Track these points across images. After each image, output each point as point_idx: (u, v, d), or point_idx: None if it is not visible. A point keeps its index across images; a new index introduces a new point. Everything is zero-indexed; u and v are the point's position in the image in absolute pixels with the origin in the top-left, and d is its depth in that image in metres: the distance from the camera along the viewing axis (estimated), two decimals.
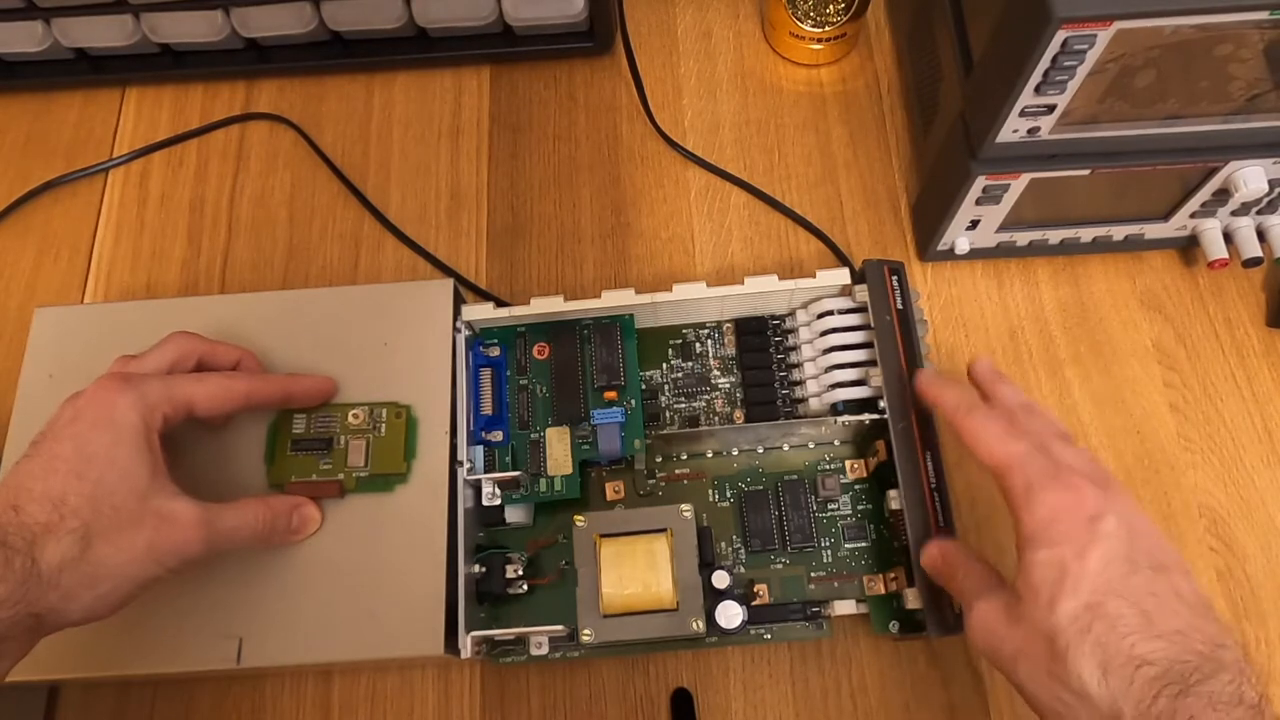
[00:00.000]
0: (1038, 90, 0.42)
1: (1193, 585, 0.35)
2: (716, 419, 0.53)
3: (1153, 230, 0.55)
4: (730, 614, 0.45)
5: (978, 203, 0.51)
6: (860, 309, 0.51)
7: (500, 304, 0.54)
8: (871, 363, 0.50)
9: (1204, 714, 0.31)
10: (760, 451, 0.52)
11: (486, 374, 0.52)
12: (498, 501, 0.49)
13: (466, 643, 0.45)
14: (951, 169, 0.50)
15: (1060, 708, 0.34)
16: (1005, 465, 0.38)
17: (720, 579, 0.46)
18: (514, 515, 0.50)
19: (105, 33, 0.60)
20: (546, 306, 0.51)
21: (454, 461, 0.48)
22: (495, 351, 0.53)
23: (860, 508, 0.50)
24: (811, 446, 0.52)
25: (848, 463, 0.51)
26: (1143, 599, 0.34)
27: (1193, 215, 0.53)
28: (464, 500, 0.48)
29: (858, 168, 0.61)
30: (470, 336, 0.52)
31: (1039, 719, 0.36)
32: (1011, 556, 0.38)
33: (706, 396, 0.53)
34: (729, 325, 0.54)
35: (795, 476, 0.51)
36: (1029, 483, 0.37)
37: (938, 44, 0.53)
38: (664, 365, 0.54)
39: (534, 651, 0.47)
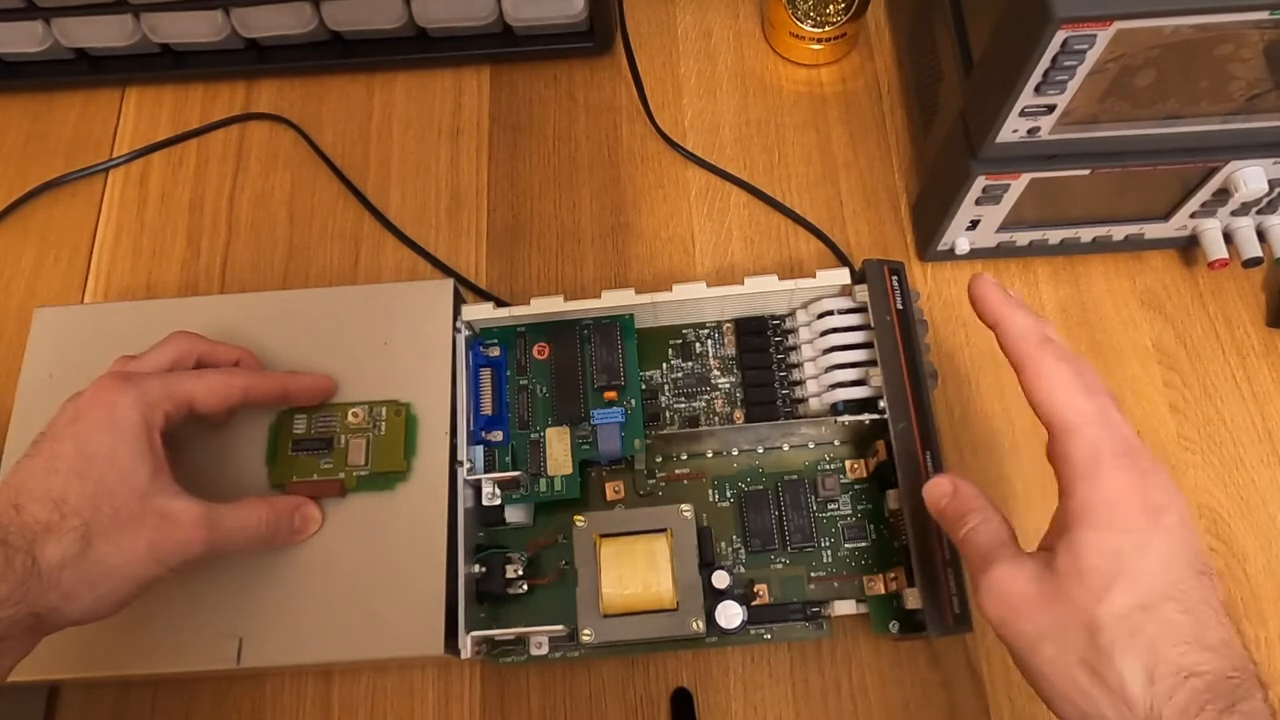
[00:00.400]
0: (1038, 90, 0.42)
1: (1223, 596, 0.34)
2: (716, 419, 0.53)
3: (1153, 230, 0.55)
4: (730, 614, 0.45)
5: (978, 203, 0.51)
6: (860, 309, 0.51)
7: (500, 304, 0.54)
8: (871, 363, 0.50)
9: None
10: (760, 451, 0.52)
11: (486, 374, 0.52)
12: (498, 501, 0.49)
13: (466, 643, 0.45)
14: (951, 169, 0.50)
15: (1080, 699, 0.32)
16: (1074, 425, 0.34)
17: (720, 579, 0.46)
18: (514, 515, 0.50)
19: (105, 33, 0.60)
20: (546, 306, 0.51)
21: (454, 461, 0.48)
22: (495, 351, 0.53)
23: (860, 508, 0.50)
24: (811, 446, 0.52)
25: (848, 463, 0.51)
26: (1196, 605, 0.32)
27: (1193, 215, 0.53)
28: (464, 500, 0.48)
29: (858, 168, 0.61)
30: (470, 336, 0.52)
31: (1046, 700, 0.34)
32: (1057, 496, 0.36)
33: (706, 396, 0.53)
34: (729, 325, 0.54)
35: (795, 476, 0.51)
36: (1097, 453, 0.34)
37: (938, 44, 0.53)
38: (664, 365, 0.54)
39: (534, 651, 0.47)
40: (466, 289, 0.58)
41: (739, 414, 0.53)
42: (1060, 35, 0.39)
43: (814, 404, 0.51)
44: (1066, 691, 0.33)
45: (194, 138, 0.64)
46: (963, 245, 0.55)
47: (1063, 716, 0.34)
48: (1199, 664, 0.31)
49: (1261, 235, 0.53)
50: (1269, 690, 0.32)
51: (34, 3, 0.58)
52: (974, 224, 0.53)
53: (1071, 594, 0.33)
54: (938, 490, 0.39)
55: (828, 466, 0.51)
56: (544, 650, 0.47)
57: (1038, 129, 0.45)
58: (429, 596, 0.45)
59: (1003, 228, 0.54)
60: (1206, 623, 0.32)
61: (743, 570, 0.49)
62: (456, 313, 0.51)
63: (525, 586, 0.49)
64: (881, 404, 0.48)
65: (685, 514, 0.46)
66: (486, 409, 0.51)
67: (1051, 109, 0.44)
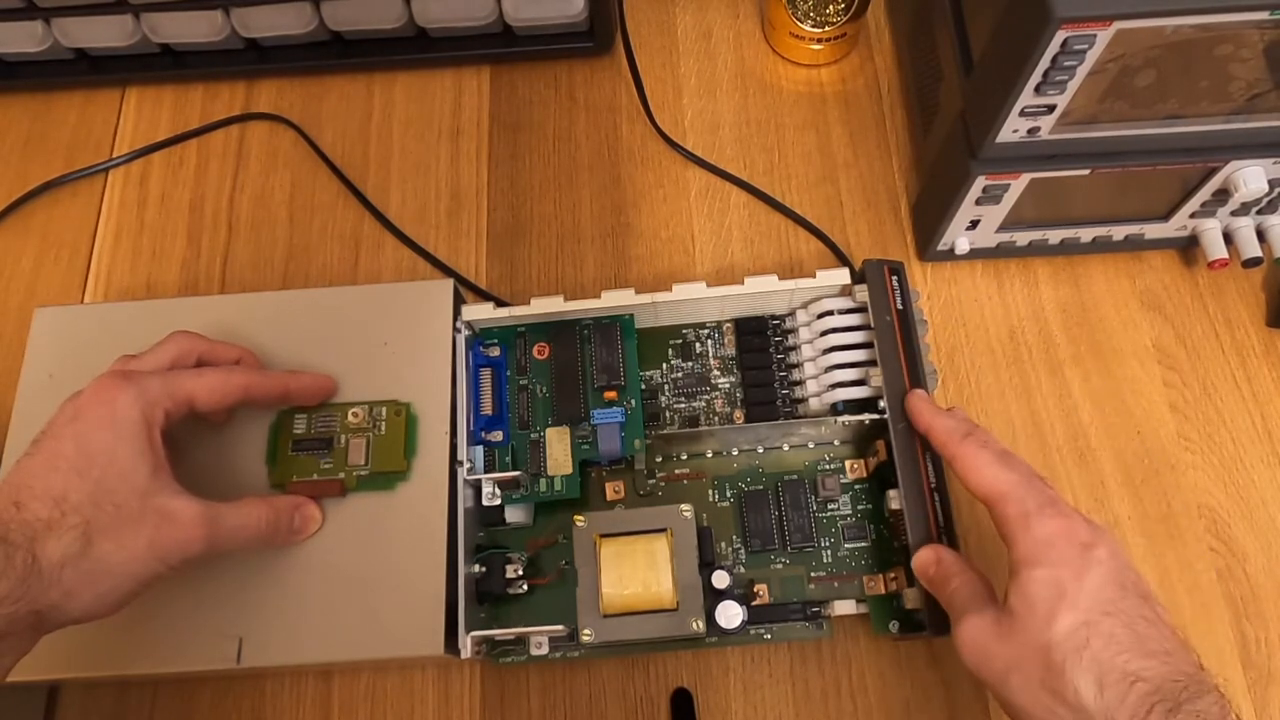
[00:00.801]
0: (1038, 90, 0.42)
1: (1170, 619, 0.37)
2: (716, 419, 0.53)
3: (1153, 230, 0.55)
4: (730, 614, 0.45)
5: (978, 203, 0.51)
6: (860, 309, 0.51)
7: (500, 304, 0.54)
8: (871, 363, 0.50)
9: None
10: (760, 451, 0.52)
11: (486, 374, 0.52)
12: (498, 501, 0.49)
13: (466, 643, 0.45)
14: (951, 169, 0.50)
15: (1049, 718, 0.35)
16: (1001, 493, 0.39)
17: (720, 579, 0.46)
18: (514, 515, 0.50)
19: (105, 33, 0.60)
20: (546, 306, 0.51)
21: (454, 461, 0.48)
22: (495, 351, 0.53)
23: (860, 508, 0.50)
24: (811, 446, 0.52)
25: (848, 463, 0.51)
26: (1134, 620, 0.36)
27: (1193, 215, 0.53)
28: (464, 500, 0.48)
29: (858, 168, 0.61)
30: (470, 336, 0.52)
31: None
32: (1007, 558, 0.39)
33: (706, 396, 0.53)
34: (729, 325, 0.54)
35: (795, 476, 0.51)
36: (1025, 509, 0.38)
37: (938, 44, 0.53)
38: (664, 365, 0.54)
39: (534, 651, 0.47)
40: (466, 289, 0.58)
41: (739, 414, 0.53)
42: (1060, 35, 0.39)
43: (814, 404, 0.51)
44: (1037, 714, 0.36)
45: (194, 138, 0.64)
46: (963, 245, 0.55)
47: None
48: (1143, 670, 0.34)
49: (1261, 235, 0.53)
50: (1224, 696, 0.34)
51: (34, 3, 0.58)
52: (974, 224, 0.53)
53: (1025, 626, 0.37)
54: (924, 561, 0.43)
55: (828, 466, 0.51)
56: (544, 650, 0.47)
57: (1038, 129, 0.45)
58: (429, 596, 0.45)
59: (1003, 228, 0.54)
60: (1145, 635, 0.35)
61: (743, 570, 0.49)
62: (456, 313, 0.51)
63: (525, 586, 0.49)
64: (881, 404, 0.48)
65: (685, 514, 0.46)
66: (486, 409, 0.51)
67: (1051, 109, 0.44)
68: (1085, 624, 0.35)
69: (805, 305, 0.53)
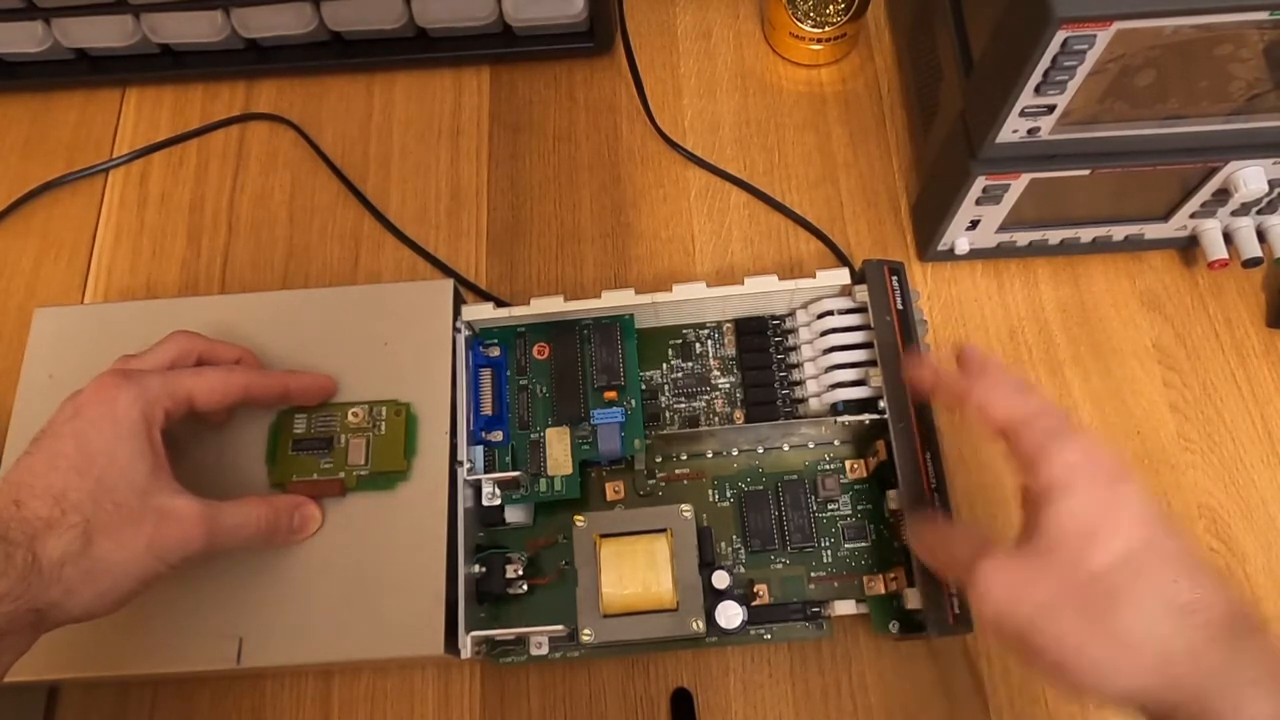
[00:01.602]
0: (1038, 90, 0.42)
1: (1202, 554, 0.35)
2: (716, 419, 0.53)
3: (1153, 230, 0.55)
4: (730, 614, 0.45)
5: (978, 203, 0.51)
6: (860, 309, 0.51)
7: (500, 304, 0.54)
8: (871, 363, 0.50)
9: (1255, 664, 0.31)
10: (760, 451, 0.52)
11: (486, 374, 0.52)
12: (498, 501, 0.49)
13: (466, 643, 0.45)
14: (951, 169, 0.50)
15: (1100, 654, 0.33)
16: (1020, 420, 0.36)
17: (720, 579, 0.46)
18: (514, 515, 0.50)
19: (105, 33, 0.60)
20: (546, 306, 0.51)
21: (454, 461, 0.48)
22: (495, 351, 0.53)
23: (860, 508, 0.50)
24: (811, 446, 0.52)
25: (848, 463, 0.51)
26: (1182, 552, 0.34)
27: (1193, 215, 0.53)
28: (464, 500, 0.48)
29: (858, 168, 0.61)
30: (470, 336, 0.52)
31: (1062, 677, 0.34)
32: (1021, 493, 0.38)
33: (706, 396, 0.53)
34: (729, 325, 0.54)
35: (795, 476, 0.51)
36: (1050, 434, 0.36)
37: (938, 44, 0.53)
38: (664, 365, 0.54)
39: (534, 651, 0.47)
40: (466, 289, 0.58)
41: (739, 414, 0.53)
42: (1060, 35, 0.39)
43: (814, 404, 0.51)
44: (1086, 653, 0.33)
45: (194, 138, 0.64)
46: (963, 245, 0.55)
47: (1084, 687, 0.34)
48: (1197, 601, 0.32)
49: (1261, 235, 0.53)
50: (1272, 633, 0.33)
51: (34, 3, 0.58)
52: (974, 224, 0.53)
53: (1061, 559, 0.34)
54: (914, 527, 0.43)
55: (828, 466, 0.51)
56: (544, 650, 0.47)
57: (1038, 129, 0.45)
58: (429, 596, 0.45)
59: (1003, 228, 0.54)
60: (1196, 566, 0.33)
61: (743, 570, 0.49)
62: (456, 313, 0.51)
63: (525, 586, 0.49)
64: (881, 404, 0.48)
65: (685, 514, 0.46)
66: (486, 409, 0.51)
67: (1051, 109, 0.44)
68: (1133, 553, 0.33)
69: (805, 305, 0.53)
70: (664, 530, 0.46)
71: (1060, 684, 0.34)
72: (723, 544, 0.50)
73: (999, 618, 0.35)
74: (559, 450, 0.50)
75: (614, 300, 0.51)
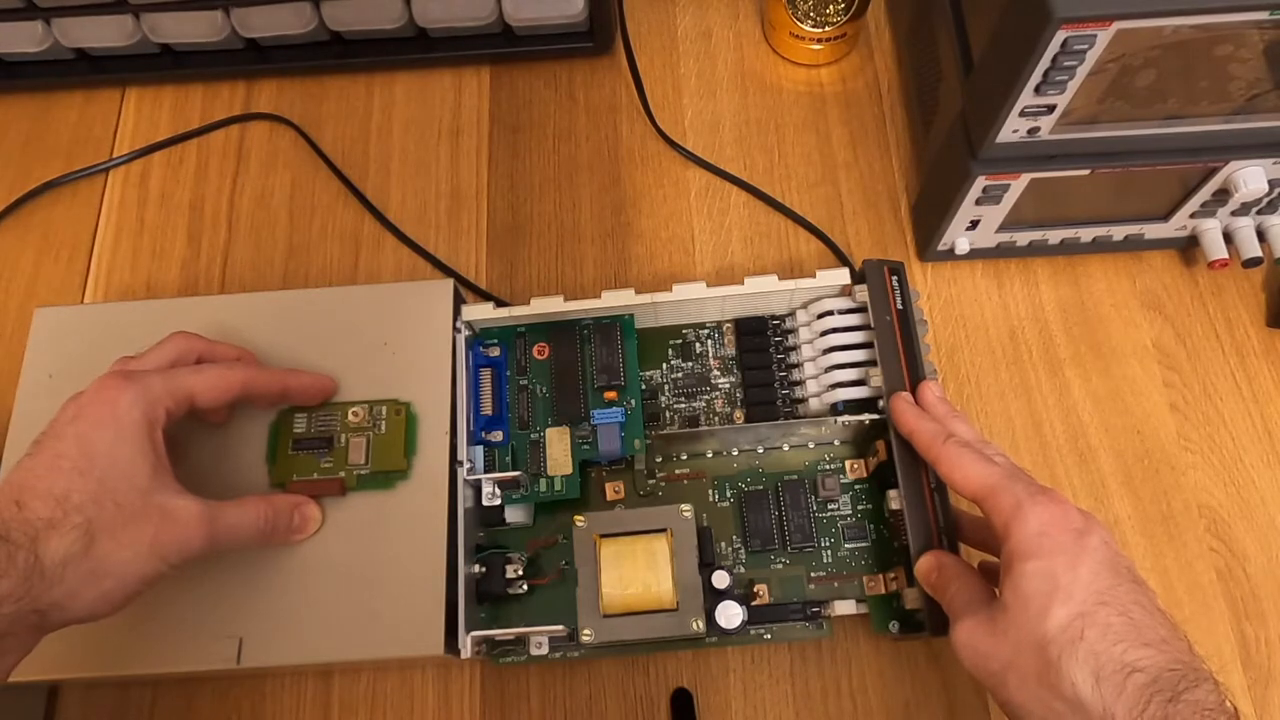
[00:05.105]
0: (1038, 90, 0.42)
1: (1161, 604, 0.37)
2: (716, 419, 0.53)
3: (1153, 230, 0.55)
4: (730, 614, 0.45)
5: (978, 203, 0.51)
6: (860, 309, 0.51)
7: (500, 304, 0.54)
8: (871, 363, 0.50)
9: (1194, 718, 0.32)
10: (760, 451, 0.52)
11: (486, 374, 0.52)
12: (498, 501, 0.49)
13: (466, 643, 0.45)
14: (951, 169, 0.50)
15: (1052, 717, 0.35)
16: (991, 487, 0.39)
17: (720, 579, 0.46)
18: (514, 515, 0.50)
19: (105, 33, 0.60)
20: (546, 306, 0.51)
21: (454, 461, 0.48)
22: (495, 351, 0.53)
23: (860, 508, 0.50)
24: (811, 446, 0.52)
25: (848, 463, 0.51)
26: (1129, 608, 0.35)
27: (1193, 215, 0.53)
28: (464, 500, 0.48)
29: (858, 168, 0.61)
30: (470, 336, 0.52)
31: None
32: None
33: (706, 396, 0.53)
34: (729, 325, 0.54)
35: (795, 476, 0.51)
36: (1017, 500, 0.38)
37: (938, 44, 0.53)
38: (664, 365, 0.54)
39: (534, 651, 0.47)
40: (466, 289, 0.58)
41: (739, 414, 0.53)
42: (1060, 35, 0.39)
43: (814, 404, 0.51)
44: (1040, 714, 0.35)
45: (194, 138, 0.64)
46: (963, 245, 0.55)
47: None
48: (1139, 660, 0.34)
49: (1261, 235, 0.53)
50: (1219, 684, 0.34)
51: (34, 3, 0.58)
52: (974, 224, 0.53)
53: (1019, 621, 0.36)
54: (925, 568, 0.43)
55: (828, 466, 0.51)
56: (544, 650, 0.47)
57: (1038, 129, 0.45)
58: (429, 596, 0.45)
59: (1003, 228, 0.54)
60: (1142, 623, 0.35)
61: (743, 570, 0.49)
62: (456, 313, 0.51)
63: (525, 586, 0.49)
64: (881, 404, 0.48)
65: (685, 514, 0.46)
66: (486, 409, 0.51)
67: (1051, 109, 0.44)
68: (1080, 615, 0.35)
69: (805, 305, 0.53)
70: (664, 530, 0.46)
71: None
72: (723, 544, 0.50)
73: (972, 672, 0.38)
74: (559, 450, 0.50)
75: (614, 300, 0.51)
